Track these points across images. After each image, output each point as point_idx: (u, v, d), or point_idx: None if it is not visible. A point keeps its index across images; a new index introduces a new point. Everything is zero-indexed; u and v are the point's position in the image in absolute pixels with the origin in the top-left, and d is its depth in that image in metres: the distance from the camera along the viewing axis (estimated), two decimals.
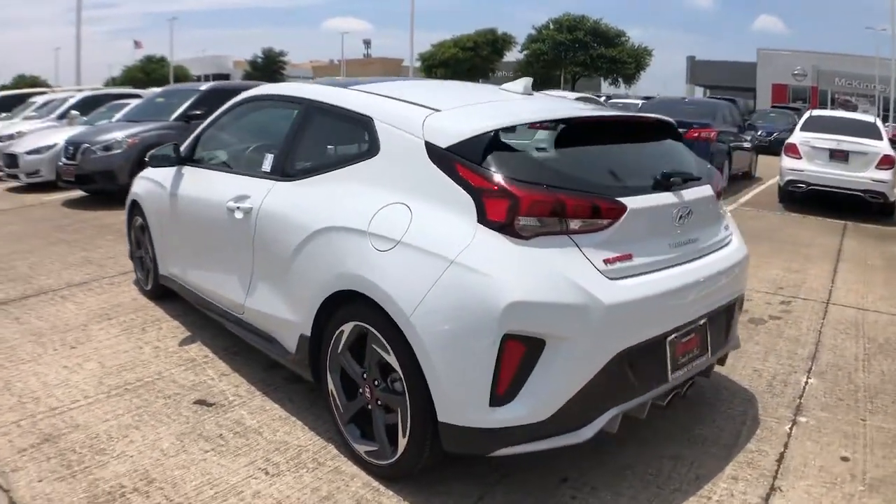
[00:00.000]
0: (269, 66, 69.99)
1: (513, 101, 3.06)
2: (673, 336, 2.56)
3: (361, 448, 2.68)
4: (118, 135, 9.00)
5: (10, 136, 11.41)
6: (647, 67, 54.42)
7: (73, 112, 12.16)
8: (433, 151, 2.52)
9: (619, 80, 53.81)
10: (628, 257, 2.44)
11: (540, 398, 2.25)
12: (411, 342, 2.34)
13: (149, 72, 64.78)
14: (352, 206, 2.67)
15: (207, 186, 3.69)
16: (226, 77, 58.19)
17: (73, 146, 8.87)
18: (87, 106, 12.52)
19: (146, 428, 2.97)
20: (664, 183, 2.64)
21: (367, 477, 2.63)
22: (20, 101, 15.47)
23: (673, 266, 2.60)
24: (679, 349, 2.62)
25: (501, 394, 2.25)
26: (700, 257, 2.76)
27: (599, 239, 2.39)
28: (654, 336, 2.48)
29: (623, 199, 2.46)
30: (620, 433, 2.50)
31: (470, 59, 55.17)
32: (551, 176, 2.45)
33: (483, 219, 2.32)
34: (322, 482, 2.60)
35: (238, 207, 3.26)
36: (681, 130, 3.35)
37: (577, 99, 11.11)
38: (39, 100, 14.36)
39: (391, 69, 63.69)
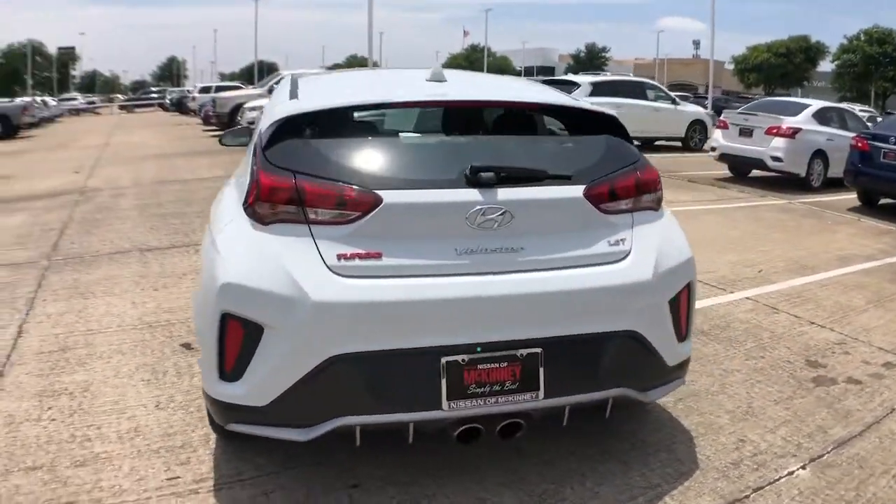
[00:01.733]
0: (592, 61, 70.66)
1: (394, 87, 2.93)
2: (457, 358, 2.21)
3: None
4: None
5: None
6: None
7: (275, 86, 14.81)
8: (259, 138, 2.55)
9: None
10: (376, 255, 2.23)
11: (257, 383, 2.23)
12: None
13: (472, 60, 70.03)
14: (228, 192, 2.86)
15: None
16: (550, 70, 60.01)
17: None
18: None
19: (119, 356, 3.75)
20: (471, 178, 2.29)
21: None
22: None
23: (459, 275, 2.25)
24: (468, 376, 2.23)
25: (228, 370, 2.28)
26: (523, 271, 2.30)
27: (343, 232, 2.24)
28: (409, 349, 2.20)
29: (382, 192, 2.23)
30: None
31: (783, 66, 53.61)
32: (322, 162, 2.33)
33: (244, 202, 2.42)
34: None
35: None
36: None
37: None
38: None
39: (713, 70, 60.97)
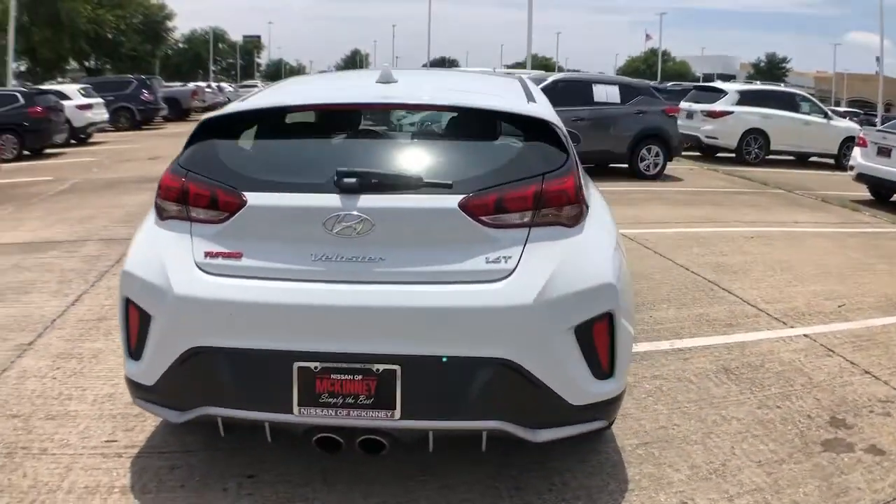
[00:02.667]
0: (772, 71, 66.77)
1: (332, 90, 2.95)
2: (309, 364, 2.14)
3: None
4: None
5: None
6: None
7: None
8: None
9: None
10: (237, 255, 2.24)
11: (146, 364, 2.33)
12: None
13: (650, 64, 67.96)
14: None
15: None
16: (731, 78, 57.12)
17: None
18: None
19: None
20: (336, 183, 2.19)
21: None
22: None
23: (312, 281, 2.17)
24: (320, 384, 2.15)
25: (132, 349, 2.41)
26: (381, 283, 2.16)
27: (213, 231, 2.29)
28: (262, 350, 2.17)
29: (248, 194, 2.24)
30: None
31: None
32: (211, 163, 2.38)
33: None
34: None
35: None
36: None
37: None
38: None
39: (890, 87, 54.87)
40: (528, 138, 2.45)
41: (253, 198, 2.25)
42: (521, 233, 2.22)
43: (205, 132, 2.50)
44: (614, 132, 11.07)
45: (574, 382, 2.21)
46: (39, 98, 13.97)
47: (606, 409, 2.34)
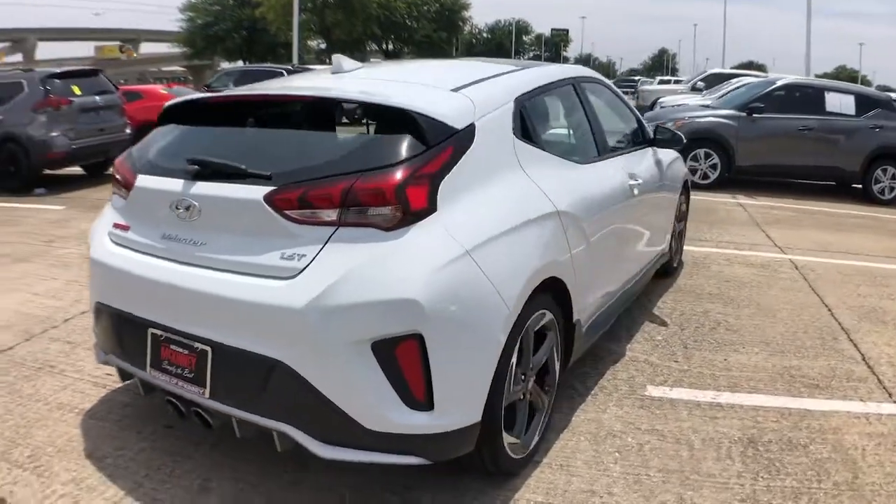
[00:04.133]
0: None
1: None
2: (158, 332, 2.32)
3: None
4: (671, 115, 9.78)
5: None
6: None
7: (700, 84, 14.22)
8: None
9: None
10: (126, 228, 2.54)
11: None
12: None
13: None
14: None
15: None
16: None
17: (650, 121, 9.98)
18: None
19: None
20: (184, 170, 2.33)
21: None
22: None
23: (160, 258, 2.34)
24: (164, 351, 2.31)
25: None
26: (197, 266, 2.23)
27: (120, 205, 2.63)
28: (130, 313, 2.42)
29: (139, 176, 2.50)
30: None
31: None
32: (140, 148, 2.71)
33: None
34: None
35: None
36: None
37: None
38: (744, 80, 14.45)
39: None
40: (391, 131, 2.25)
41: (138, 179, 2.50)
42: (325, 231, 2.08)
43: (160, 119, 2.78)
44: (845, 147, 9.21)
45: (371, 405, 2.00)
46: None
47: (423, 444, 2.06)
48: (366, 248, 2.04)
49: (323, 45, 37.32)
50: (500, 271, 2.23)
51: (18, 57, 65.45)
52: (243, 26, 30.68)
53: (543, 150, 2.87)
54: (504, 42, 74.67)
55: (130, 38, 73.46)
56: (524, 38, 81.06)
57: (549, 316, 2.66)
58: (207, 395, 2.21)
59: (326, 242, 2.06)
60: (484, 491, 2.45)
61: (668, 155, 4.73)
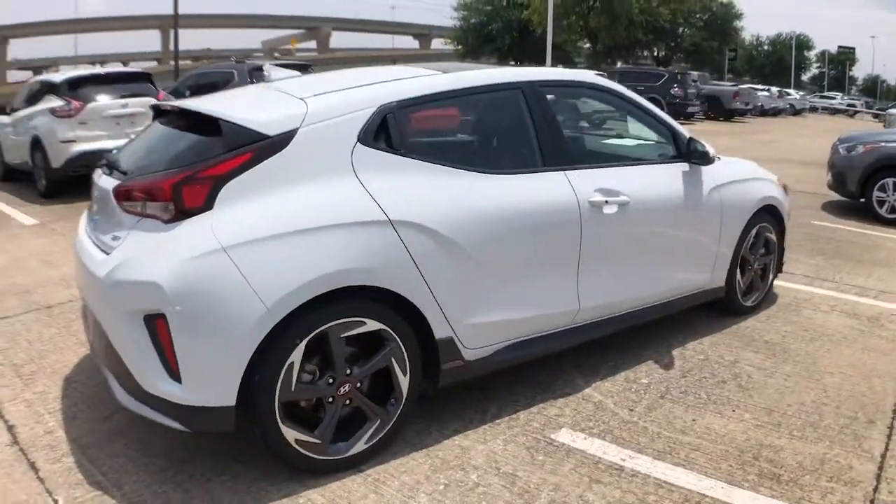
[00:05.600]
0: None
1: None
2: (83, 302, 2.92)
3: None
4: (867, 139, 8.03)
5: None
6: None
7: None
8: None
9: None
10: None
11: None
12: None
13: None
14: None
15: None
16: None
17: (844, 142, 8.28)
18: None
19: None
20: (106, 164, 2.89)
21: None
22: None
23: (85, 238, 2.75)
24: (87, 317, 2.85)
25: None
26: (100, 249, 2.55)
27: None
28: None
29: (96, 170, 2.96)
30: None
31: None
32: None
33: None
34: None
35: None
36: None
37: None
38: None
39: None
40: (205, 137, 2.53)
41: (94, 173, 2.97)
42: (134, 220, 2.41)
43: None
44: None
45: (144, 368, 2.29)
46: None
47: (180, 413, 2.29)
48: (148, 236, 2.34)
49: (591, 49, 36.93)
50: (265, 271, 2.29)
51: (312, 44, 74.81)
52: (513, 27, 31.68)
53: (409, 157, 2.68)
54: (785, 56, 67.06)
55: (422, 32, 79.30)
56: (805, 53, 71.95)
57: (373, 325, 2.48)
58: (95, 353, 2.76)
59: (132, 229, 2.40)
60: (277, 482, 2.47)
61: (730, 173, 3.95)
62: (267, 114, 2.53)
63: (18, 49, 68.54)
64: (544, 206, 2.97)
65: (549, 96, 3.21)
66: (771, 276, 4.41)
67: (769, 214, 4.24)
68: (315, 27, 71.29)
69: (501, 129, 3.26)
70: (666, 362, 3.56)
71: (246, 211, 2.34)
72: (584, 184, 3.12)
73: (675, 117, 4.35)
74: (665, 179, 3.57)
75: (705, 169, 3.73)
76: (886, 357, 3.68)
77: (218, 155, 2.39)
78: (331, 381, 2.45)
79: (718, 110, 24.61)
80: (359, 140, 2.57)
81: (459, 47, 34.30)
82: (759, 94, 30.60)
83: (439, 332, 2.66)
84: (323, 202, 2.44)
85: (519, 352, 3.00)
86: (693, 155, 3.62)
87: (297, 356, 2.34)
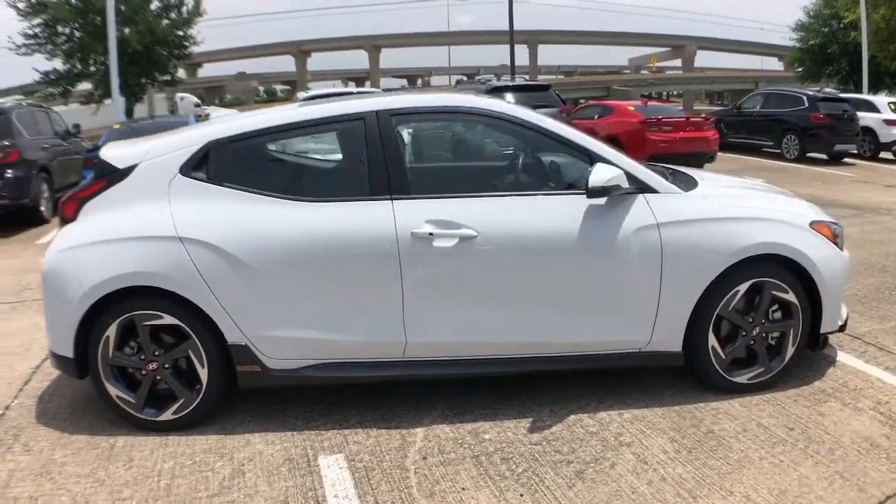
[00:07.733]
0: None
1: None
2: None
3: None
4: None
5: None
6: None
7: None
8: None
9: None
10: None
11: None
12: None
13: None
14: None
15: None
16: None
17: None
18: None
19: None
20: None
21: None
22: None
23: None
24: None
25: None
26: None
27: None
28: None
29: None
30: None
31: None
32: None
33: None
34: None
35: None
36: None
37: None
38: None
39: None
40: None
41: None
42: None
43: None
44: None
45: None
46: (823, 104, 13.54)
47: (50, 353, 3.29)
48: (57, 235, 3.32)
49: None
50: (85, 266, 3.08)
51: (677, 62, 69.34)
52: (848, 50, 26.24)
53: (222, 186, 3.13)
54: None
55: (781, 53, 69.31)
56: None
57: (169, 320, 3.08)
58: None
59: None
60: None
61: (695, 209, 3.23)
62: (124, 151, 3.28)
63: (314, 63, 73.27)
64: (356, 235, 3.05)
65: (405, 125, 3.22)
66: (790, 348, 3.30)
67: (782, 267, 3.21)
68: (680, 45, 68.08)
69: (336, 158, 3.42)
70: (537, 425, 3.11)
71: (90, 222, 3.14)
72: (411, 214, 3.06)
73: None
74: (551, 213, 3.14)
75: (644, 200, 3.14)
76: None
77: (90, 181, 3.29)
78: (142, 357, 3.12)
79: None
80: (179, 171, 3.13)
81: (800, 70, 29.86)
82: None
83: (231, 336, 3.07)
84: (135, 219, 3.10)
85: (333, 372, 3.14)
86: (588, 185, 3.04)
87: (112, 332, 3.05)
